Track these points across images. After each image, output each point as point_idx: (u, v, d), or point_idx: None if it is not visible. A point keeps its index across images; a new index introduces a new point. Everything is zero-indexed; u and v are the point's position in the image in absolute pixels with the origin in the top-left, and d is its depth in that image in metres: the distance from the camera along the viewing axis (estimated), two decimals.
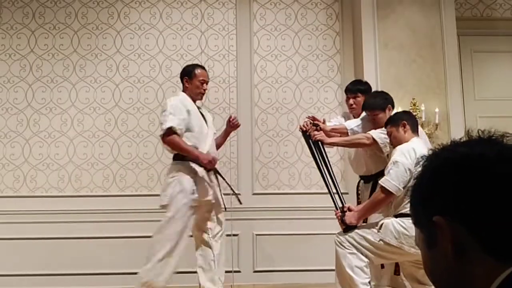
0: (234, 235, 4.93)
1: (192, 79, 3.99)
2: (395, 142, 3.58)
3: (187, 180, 3.77)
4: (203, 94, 4.07)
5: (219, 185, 3.97)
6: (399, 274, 3.95)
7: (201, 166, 3.82)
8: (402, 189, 3.35)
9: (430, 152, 0.79)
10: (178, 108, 3.82)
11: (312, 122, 3.94)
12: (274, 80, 5.35)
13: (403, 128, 3.57)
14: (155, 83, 5.26)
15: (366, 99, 3.97)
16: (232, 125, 4.15)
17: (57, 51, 5.26)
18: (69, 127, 5.16)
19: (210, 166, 3.83)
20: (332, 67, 5.41)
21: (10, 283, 4.75)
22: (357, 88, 4.13)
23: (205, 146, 3.89)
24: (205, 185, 3.84)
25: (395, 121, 3.64)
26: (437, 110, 4.97)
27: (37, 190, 5.05)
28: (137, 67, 5.27)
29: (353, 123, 3.96)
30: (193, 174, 3.80)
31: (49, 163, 5.10)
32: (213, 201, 3.89)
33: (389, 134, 3.63)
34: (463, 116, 5.14)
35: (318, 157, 3.84)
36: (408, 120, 3.62)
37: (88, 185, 5.08)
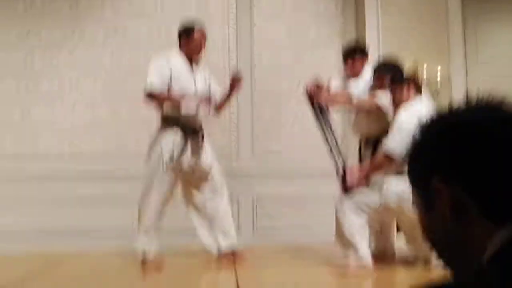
0: (233, 197, 4.97)
1: (189, 36, 3.89)
2: (398, 102, 3.58)
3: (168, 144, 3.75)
4: (201, 51, 3.94)
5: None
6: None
7: (185, 131, 3.78)
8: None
9: (431, 116, 0.79)
10: (159, 67, 3.78)
11: (316, 85, 3.94)
12: (275, 43, 5.29)
13: (406, 87, 3.58)
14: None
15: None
16: (233, 87, 3.98)
17: None
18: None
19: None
20: (334, 31, 5.34)
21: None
22: (354, 50, 4.17)
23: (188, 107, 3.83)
24: (187, 151, 3.80)
25: (399, 80, 3.64)
26: (439, 68, 4.93)
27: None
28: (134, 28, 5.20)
29: (357, 88, 3.97)
30: (175, 138, 3.77)
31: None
32: (194, 167, 3.85)
33: (391, 91, 3.62)
34: (465, 80, 5.12)
35: (321, 119, 3.86)
36: (412, 81, 3.63)
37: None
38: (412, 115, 3.36)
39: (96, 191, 4.90)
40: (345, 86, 4.18)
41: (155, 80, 3.72)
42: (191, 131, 3.81)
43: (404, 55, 4.94)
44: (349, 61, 4.13)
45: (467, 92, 5.06)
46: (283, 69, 5.27)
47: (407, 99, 3.57)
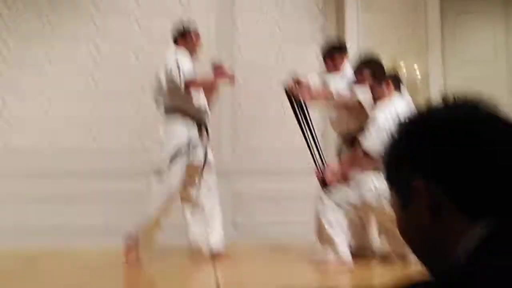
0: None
1: (185, 36, 4.01)
2: (377, 97, 3.61)
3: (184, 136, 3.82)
4: (198, 46, 4.07)
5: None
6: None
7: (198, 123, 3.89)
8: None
9: (408, 114, 0.79)
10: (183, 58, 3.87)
11: (296, 82, 3.95)
12: (257, 40, 5.28)
13: (386, 83, 3.61)
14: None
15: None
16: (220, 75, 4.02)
17: None
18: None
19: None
20: (315, 28, 5.35)
21: None
22: (333, 49, 4.19)
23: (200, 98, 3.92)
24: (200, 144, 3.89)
25: (379, 77, 3.67)
26: (416, 66, 4.99)
27: None
28: (115, 24, 5.14)
29: (339, 85, 3.99)
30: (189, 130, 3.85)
31: None
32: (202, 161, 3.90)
33: (371, 87, 3.65)
34: (443, 77, 5.18)
35: (301, 116, 3.87)
36: (392, 77, 3.66)
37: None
38: (390, 113, 3.40)
39: (76, 189, 4.86)
40: (325, 82, 4.20)
41: (188, 67, 3.79)
42: (203, 124, 3.91)
43: (383, 51, 4.98)
44: (329, 60, 4.17)
45: (445, 89, 5.12)
46: (264, 66, 5.26)
47: (387, 96, 3.60)
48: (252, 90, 5.24)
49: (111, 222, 4.60)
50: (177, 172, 3.74)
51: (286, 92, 3.95)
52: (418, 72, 4.97)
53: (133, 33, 5.15)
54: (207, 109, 4.02)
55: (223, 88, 4.76)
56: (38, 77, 5.04)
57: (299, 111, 3.88)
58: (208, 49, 5.16)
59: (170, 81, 3.81)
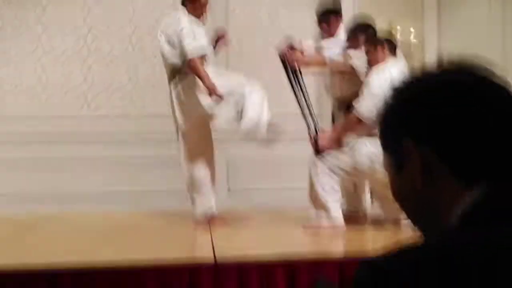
0: None
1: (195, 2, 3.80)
2: (372, 61, 3.58)
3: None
4: (204, 14, 3.90)
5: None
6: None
7: None
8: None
9: (402, 78, 0.79)
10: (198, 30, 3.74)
11: (290, 47, 3.91)
12: (250, 2, 5.21)
13: (381, 48, 3.57)
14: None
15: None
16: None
17: None
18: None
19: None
20: None
21: None
22: (328, 12, 4.11)
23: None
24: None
25: (374, 41, 3.63)
26: (412, 30, 4.95)
27: None
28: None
29: (332, 51, 3.96)
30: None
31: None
32: None
33: (366, 52, 3.62)
34: (438, 41, 5.15)
35: (295, 82, 3.86)
36: (387, 41, 3.62)
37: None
38: (384, 78, 3.38)
39: (68, 154, 4.86)
40: (319, 46, 4.16)
41: (203, 43, 3.66)
42: None
43: (379, 14, 4.94)
44: (324, 24, 4.09)
45: (440, 53, 5.09)
46: (258, 30, 5.21)
47: (382, 60, 3.58)
48: (246, 56, 5.19)
49: (108, 187, 4.63)
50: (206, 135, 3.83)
51: (280, 57, 3.92)
52: (413, 36, 4.93)
53: None
54: None
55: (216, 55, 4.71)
56: (30, 43, 4.98)
57: (293, 76, 3.86)
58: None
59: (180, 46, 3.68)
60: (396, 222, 3.62)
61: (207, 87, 3.64)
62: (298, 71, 3.86)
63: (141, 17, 5.01)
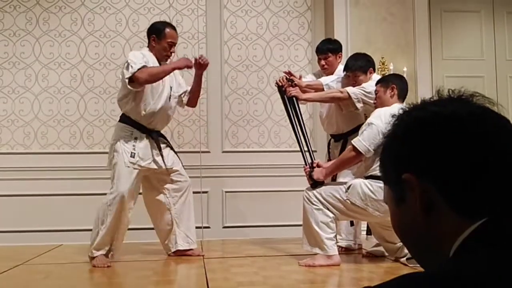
0: (204, 192, 4.97)
1: (160, 39, 3.79)
2: (379, 103, 3.56)
3: (126, 144, 3.71)
4: (169, 57, 3.87)
5: (162, 149, 3.85)
6: (352, 225, 4.07)
7: (142, 130, 3.75)
8: (372, 150, 3.40)
9: (401, 111, 0.78)
10: (139, 57, 3.67)
11: (288, 77, 3.94)
12: (244, 37, 5.28)
13: (391, 91, 3.54)
14: (122, 38, 5.13)
15: (348, 60, 3.95)
16: (200, 66, 3.86)
17: (19, 3, 5.05)
18: (34, 83, 5.03)
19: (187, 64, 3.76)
20: (302, 24, 5.36)
21: None
22: (327, 48, 4.12)
23: (158, 103, 3.77)
24: (147, 150, 3.76)
25: (385, 82, 3.61)
26: (405, 69, 5.02)
27: (2, 147, 4.95)
28: (102, 21, 5.12)
29: (329, 79, 3.99)
30: (134, 138, 3.74)
31: (14, 119, 4.98)
32: (156, 168, 3.80)
33: (376, 93, 3.61)
34: (431, 76, 5.21)
35: (292, 113, 3.87)
36: (398, 85, 3.58)
37: (54, 142, 5.00)
38: (385, 115, 3.36)
39: (64, 190, 4.85)
40: (317, 79, 4.17)
41: (140, 63, 3.61)
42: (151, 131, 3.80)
43: (371, 48, 5.01)
44: (323, 61, 4.10)
45: (432, 87, 5.13)
46: (253, 63, 5.27)
47: (389, 104, 3.52)
48: (241, 88, 5.24)
49: None
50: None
51: (278, 87, 3.96)
52: (405, 75, 4.98)
53: (121, 29, 5.12)
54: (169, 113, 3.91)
55: (211, 87, 4.75)
56: (24, 74, 5.01)
57: (290, 107, 3.88)
58: (197, 47, 5.19)
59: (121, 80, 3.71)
60: (396, 261, 3.61)
61: (174, 69, 3.71)
62: (296, 102, 3.88)
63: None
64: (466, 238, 0.67)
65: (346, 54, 5.04)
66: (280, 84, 3.92)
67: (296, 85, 3.89)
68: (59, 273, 3.51)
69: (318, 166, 3.67)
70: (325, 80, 3.99)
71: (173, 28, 3.90)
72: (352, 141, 3.53)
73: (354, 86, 3.84)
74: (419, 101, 0.79)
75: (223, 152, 5.16)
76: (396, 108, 3.50)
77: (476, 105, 0.73)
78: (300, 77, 4.04)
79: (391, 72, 4.98)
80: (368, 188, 3.38)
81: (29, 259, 3.95)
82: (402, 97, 3.58)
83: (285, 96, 3.89)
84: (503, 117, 0.73)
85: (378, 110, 3.53)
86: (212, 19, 5.24)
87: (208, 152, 5.09)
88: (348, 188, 3.46)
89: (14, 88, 5.00)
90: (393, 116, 0.79)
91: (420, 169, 0.71)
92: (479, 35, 5.45)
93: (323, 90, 3.93)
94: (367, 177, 3.46)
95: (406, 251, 3.54)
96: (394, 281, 0.63)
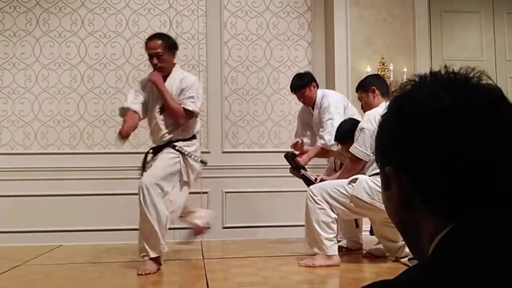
0: (204, 192, 4.97)
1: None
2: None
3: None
4: (158, 67, 3.59)
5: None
6: (358, 227, 4.09)
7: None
8: (371, 154, 3.43)
9: (392, 99, 0.76)
10: (132, 91, 3.71)
11: (293, 154, 4.14)
12: (244, 37, 5.29)
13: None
14: (122, 39, 5.13)
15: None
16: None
17: (19, 4, 5.06)
18: (34, 83, 5.03)
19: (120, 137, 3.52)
20: (302, 25, 5.37)
21: None
22: (298, 85, 4.20)
23: (150, 121, 3.70)
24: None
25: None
26: (405, 70, 5.02)
27: (2, 147, 4.95)
28: (103, 21, 5.13)
29: (324, 137, 4.06)
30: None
31: (14, 120, 4.99)
32: None
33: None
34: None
35: (301, 175, 4.07)
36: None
37: (54, 142, 5.00)
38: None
39: (65, 190, 4.85)
40: (310, 119, 4.33)
41: (126, 102, 3.62)
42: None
43: (371, 48, 5.01)
44: (299, 97, 4.23)
45: None
46: (253, 64, 5.27)
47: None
48: (241, 89, 5.24)
49: (106, 225, 4.58)
50: None
51: (287, 159, 4.15)
52: (405, 75, 4.99)
53: (121, 30, 5.13)
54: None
55: (212, 88, 4.75)
56: (24, 75, 5.01)
57: (299, 171, 4.05)
58: (197, 48, 5.19)
59: None
60: (397, 261, 3.61)
61: (160, 88, 3.53)
62: (303, 167, 4.08)
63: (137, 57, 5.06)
64: (440, 240, 0.66)
65: (346, 54, 5.06)
66: (289, 157, 4.13)
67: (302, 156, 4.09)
68: (59, 274, 3.51)
69: (322, 180, 3.75)
70: (321, 142, 4.08)
71: (150, 38, 3.64)
72: (350, 150, 3.56)
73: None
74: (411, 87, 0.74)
75: (223, 152, 5.17)
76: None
77: (474, 95, 0.68)
78: (302, 144, 4.18)
79: (391, 72, 5.00)
80: (374, 183, 3.40)
81: (29, 260, 3.95)
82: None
83: (293, 166, 4.09)
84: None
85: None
86: (212, 19, 5.24)
87: (208, 152, 5.09)
88: (353, 181, 3.47)
89: (14, 89, 5.01)
90: (382, 116, 0.77)
91: (399, 163, 0.70)
92: (479, 36, 5.46)
93: (322, 149, 4.07)
94: (371, 175, 3.48)
95: (406, 250, 3.55)
96: (374, 285, 0.62)
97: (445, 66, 0.72)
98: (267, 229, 5.02)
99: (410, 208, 0.70)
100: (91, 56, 5.09)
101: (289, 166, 4.15)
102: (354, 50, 5.07)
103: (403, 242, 3.54)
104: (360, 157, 3.49)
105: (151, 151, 3.72)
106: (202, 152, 4.97)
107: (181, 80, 3.62)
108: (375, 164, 3.43)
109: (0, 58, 5.01)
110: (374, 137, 3.27)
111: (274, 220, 5.03)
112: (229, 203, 5.09)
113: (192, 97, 3.57)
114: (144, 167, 3.65)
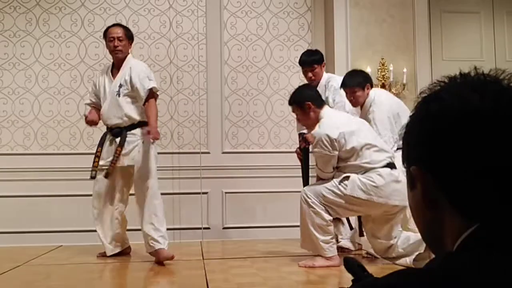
0: (203, 193, 4.97)
1: (106, 41, 3.97)
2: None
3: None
4: (118, 50, 3.90)
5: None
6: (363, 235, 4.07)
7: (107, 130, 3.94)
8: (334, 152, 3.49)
9: (420, 99, 0.75)
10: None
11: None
12: (244, 38, 5.29)
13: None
14: None
15: (345, 77, 4.01)
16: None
17: (19, 4, 5.06)
18: (34, 84, 5.04)
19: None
20: (302, 25, 5.37)
21: None
22: (312, 60, 4.19)
23: (104, 107, 3.93)
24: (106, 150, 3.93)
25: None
26: (405, 70, 5.02)
27: (2, 147, 4.95)
28: (102, 22, 5.12)
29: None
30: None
31: (14, 120, 4.99)
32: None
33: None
34: (431, 77, 5.20)
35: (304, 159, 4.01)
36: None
37: (54, 142, 5.01)
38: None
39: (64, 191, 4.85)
40: None
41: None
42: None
43: (371, 49, 5.01)
44: (309, 72, 4.18)
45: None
46: (253, 64, 5.27)
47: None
48: (241, 89, 5.24)
49: None
50: None
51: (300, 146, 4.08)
52: (405, 76, 5.00)
53: None
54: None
55: (212, 88, 4.75)
56: (24, 75, 5.01)
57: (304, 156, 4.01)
58: (197, 48, 5.19)
59: None
60: (387, 255, 3.61)
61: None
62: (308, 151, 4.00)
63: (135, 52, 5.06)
64: (465, 238, 0.66)
65: (346, 55, 5.06)
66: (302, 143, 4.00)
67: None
68: (59, 274, 3.51)
69: (305, 138, 3.90)
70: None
71: (112, 26, 4.02)
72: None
73: (352, 102, 3.98)
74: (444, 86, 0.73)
75: (223, 153, 5.17)
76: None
77: (504, 100, 0.67)
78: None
79: (391, 73, 5.00)
80: (366, 179, 3.41)
81: (29, 260, 3.95)
82: (320, 104, 3.71)
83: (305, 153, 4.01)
84: None
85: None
86: (212, 20, 5.25)
87: (208, 153, 5.09)
88: (345, 180, 3.46)
89: (14, 89, 5.01)
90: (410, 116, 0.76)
91: (426, 162, 0.70)
92: (479, 36, 5.46)
93: None
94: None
95: (397, 250, 3.54)
96: (389, 276, 0.63)
97: (475, 68, 0.72)
98: (267, 229, 5.02)
99: (434, 207, 0.70)
100: (91, 57, 5.10)
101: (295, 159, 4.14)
102: (354, 50, 5.07)
103: (394, 241, 3.55)
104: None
105: None
106: (202, 152, 5.00)
107: (132, 66, 3.90)
108: (350, 162, 3.47)
109: (0, 59, 5.01)
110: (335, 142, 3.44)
111: (274, 221, 5.03)
112: (229, 203, 5.10)
113: (147, 77, 3.84)
114: None
